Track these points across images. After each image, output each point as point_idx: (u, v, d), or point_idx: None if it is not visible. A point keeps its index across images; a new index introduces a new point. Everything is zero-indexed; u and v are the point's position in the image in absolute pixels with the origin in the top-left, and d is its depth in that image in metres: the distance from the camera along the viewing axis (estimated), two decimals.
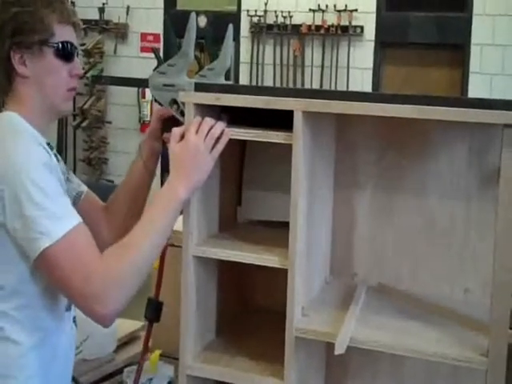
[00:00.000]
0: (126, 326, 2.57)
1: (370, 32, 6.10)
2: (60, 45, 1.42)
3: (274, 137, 1.43)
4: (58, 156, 1.48)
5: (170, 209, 1.41)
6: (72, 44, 1.45)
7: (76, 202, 1.57)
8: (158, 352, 2.18)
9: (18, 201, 1.27)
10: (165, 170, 1.48)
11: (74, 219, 1.32)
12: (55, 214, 1.29)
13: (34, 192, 1.27)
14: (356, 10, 6.08)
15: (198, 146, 1.43)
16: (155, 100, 1.61)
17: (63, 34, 1.44)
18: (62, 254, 1.28)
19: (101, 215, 1.63)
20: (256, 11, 6.34)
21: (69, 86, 1.47)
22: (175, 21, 5.77)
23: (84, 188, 1.63)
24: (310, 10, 6.19)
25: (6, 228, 1.30)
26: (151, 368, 2.17)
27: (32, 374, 1.38)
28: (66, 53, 1.44)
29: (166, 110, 1.58)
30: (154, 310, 1.63)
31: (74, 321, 1.55)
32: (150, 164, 1.63)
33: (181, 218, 1.51)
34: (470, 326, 1.48)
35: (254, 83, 6.35)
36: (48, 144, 1.42)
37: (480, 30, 5.79)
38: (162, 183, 1.45)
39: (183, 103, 1.50)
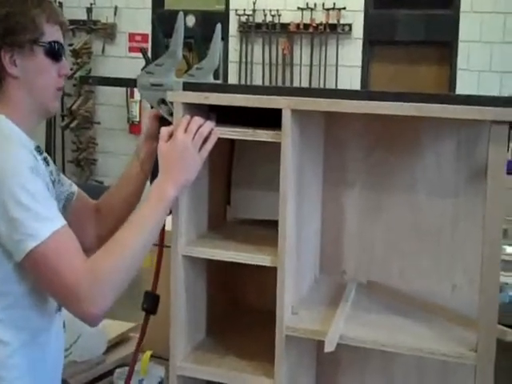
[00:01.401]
0: (117, 327, 2.56)
1: (358, 30, 6.12)
2: (50, 44, 1.43)
3: (263, 135, 1.43)
4: (49, 158, 1.48)
5: (158, 208, 1.41)
6: (60, 43, 1.46)
7: (68, 202, 1.57)
8: (148, 353, 2.17)
9: (3, 203, 1.27)
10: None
11: (59, 221, 1.32)
12: (41, 215, 1.29)
13: (20, 194, 1.27)
14: (344, 9, 6.10)
15: (187, 145, 1.43)
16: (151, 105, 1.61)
17: (52, 33, 1.44)
18: (48, 254, 1.28)
19: (92, 214, 1.63)
20: (244, 10, 6.34)
21: (57, 85, 1.47)
22: (163, 20, 5.76)
23: (75, 188, 1.63)
24: (299, 8, 6.20)
25: None
26: (142, 369, 2.16)
27: (20, 375, 1.37)
28: (55, 52, 1.44)
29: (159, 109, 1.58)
30: (151, 302, 1.63)
31: (64, 325, 1.55)
32: (146, 165, 1.62)
33: (170, 217, 1.51)
34: (458, 322, 1.49)
35: (242, 82, 6.35)
36: (38, 147, 1.42)
37: (467, 28, 5.82)
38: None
39: (171, 103, 1.49)
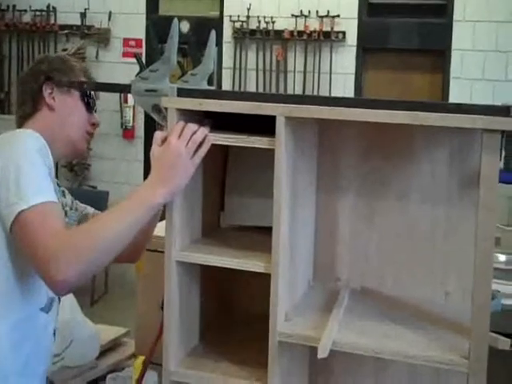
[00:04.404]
0: (109, 332, 2.56)
1: (351, 37, 6.13)
2: (85, 92, 1.64)
3: (257, 142, 1.43)
4: (66, 191, 1.67)
5: (143, 207, 1.42)
6: (93, 97, 1.66)
7: (82, 222, 1.69)
8: (142, 358, 2.16)
9: (7, 173, 1.38)
10: None
11: (53, 197, 1.41)
12: (38, 186, 1.39)
13: (23, 162, 1.39)
14: (338, 16, 6.12)
15: (180, 151, 1.43)
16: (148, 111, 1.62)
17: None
18: (33, 219, 1.36)
19: None
20: (239, 16, 6.35)
21: (88, 129, 1.66)
22: (157, 26, 5.72)
23: (90, 210, 1.76)
24: (293, 15, 6.22)
25: None
26: (134, 374, 2.16)
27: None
28: (88, 100, 1.65)
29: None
30: None
31: (54, 333, 1.61)
32: None
33: (163, 223, 1.51)
34: (451, 329, 1.49)
35: (236, 88, 6.36)
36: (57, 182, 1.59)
37: (460, 36, 5.85)
38: None
39: (166, 108, 1.49)
